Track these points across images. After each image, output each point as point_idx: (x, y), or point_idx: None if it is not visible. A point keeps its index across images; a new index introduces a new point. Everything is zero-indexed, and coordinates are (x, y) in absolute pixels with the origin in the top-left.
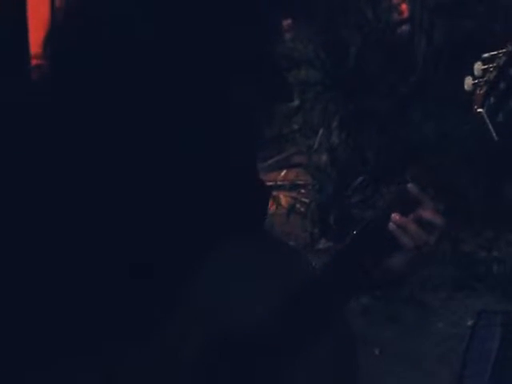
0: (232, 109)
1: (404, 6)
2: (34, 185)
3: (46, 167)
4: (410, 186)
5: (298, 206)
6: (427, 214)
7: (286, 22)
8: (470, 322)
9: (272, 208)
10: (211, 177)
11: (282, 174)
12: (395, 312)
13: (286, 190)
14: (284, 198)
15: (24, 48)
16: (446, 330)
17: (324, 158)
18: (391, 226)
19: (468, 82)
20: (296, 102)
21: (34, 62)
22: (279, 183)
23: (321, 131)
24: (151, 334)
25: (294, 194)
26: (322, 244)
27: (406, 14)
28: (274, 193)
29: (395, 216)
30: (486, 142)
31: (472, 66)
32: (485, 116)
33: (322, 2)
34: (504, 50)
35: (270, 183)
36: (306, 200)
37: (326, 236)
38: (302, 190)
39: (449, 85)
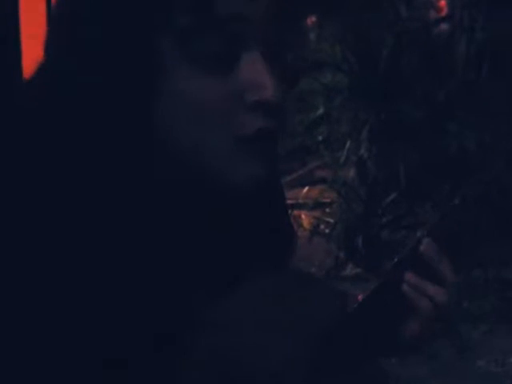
0: None
1: (443, 3)
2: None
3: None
4: (426, 242)
5: (321, 226)
6: (443, 270)
7: (310, 20)
8: None
9: None
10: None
11: (304, 190)
12: (430, 347)
13: (309, 209)
14: (306, 218)
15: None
16: (487, 368)
17: (351, 172)
18: (405, 287)
19: None
20: (320, 110)
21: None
22: (301, 201)
23: (348, 143)
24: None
25: (317, 214)
26: (349, 270)
27: (444, 12)
28: (295, 212)
29: (410, 276)
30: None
31: None
32: None
33: None
34: None
35: (291, 201)
36: (331, 220)
37: (354, 261)
38: (327, 209)
39: (492, 90)
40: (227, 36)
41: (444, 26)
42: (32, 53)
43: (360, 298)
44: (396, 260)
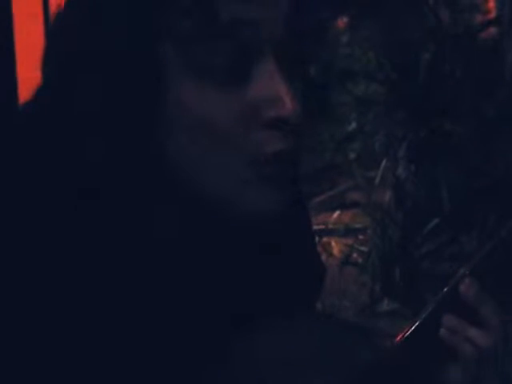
0: None
1: (491, 4)
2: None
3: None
4: (467, 280)
5: (354, 255)
6: (487, 312)
7: (341, 21)
8: None
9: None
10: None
11: (335, 215)
12: None
13: (340, 236)
14: (337, 246)
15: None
16: None
17: (387, 195)
18: (444, 332)
19: None
20: (353, 125)
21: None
22: (331, 227)
23: (384, 162)
24: None
25: (349, 241)
26: (385, 305)
27: (492, 14)
28: (325, 239)
29: (449, 319)
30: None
31: None
32: None
33: None
34: None
35: (320, 227)
36: (365, 248)
37: (390, 295)
38: (360, 236)
39: None
40: (236, 43)
41: (492, 31)
42: (27, 62)
43: (395, 341)
44: (433, 300)
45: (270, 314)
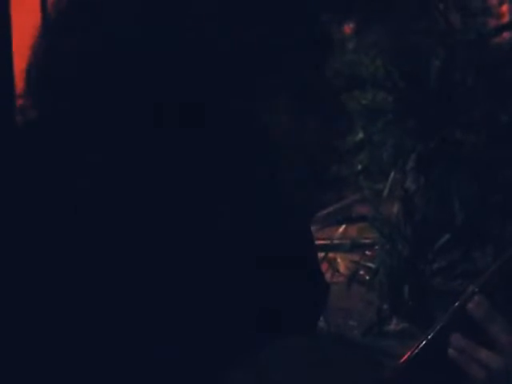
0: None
1: (504, 7)
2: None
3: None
4: (477, 298)
5: (361, 272)
6: (497, 332)
7: (348, 26)
8: None
9: (326, 276)
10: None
11: (341, 229)
12: None
13: (346, 251)
14: (343, 262)
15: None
16: None
17: (396, 208)
18: (452, 352)
19: None
20: (360, 135)
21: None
22: (336, 241)
23: (392, 173)
24: None
25: (355, 257)
26: (394, 325)
27: (506, 18)
28: (331, 254)
29: (457, 338)
30: None
31: None
32: None
33: (395, 2)
34: None
35: (325, 241)
36: (372, 265)
37: (399, 314)
38: (367, 252)
39: None
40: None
41: (506, 35)
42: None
43: (401, 361)
44: (441, 319)
45: (271, 333)
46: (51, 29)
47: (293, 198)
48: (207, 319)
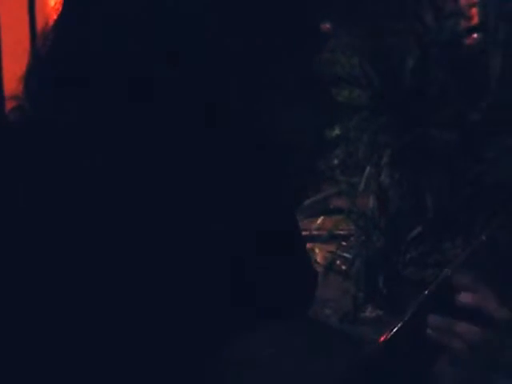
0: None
1: (474, 11)
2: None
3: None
4: (458, 277)
5: (337, 262)
6: (489, 307)
7: (324, 27)
8: None
9: None
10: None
11: (318, 221)
12: None
13: (323, 242)
14: (320, 253)
15: None
16: None
17: (371, 201)
18: (430, 332)
19: None
20: (336, 131)
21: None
22: (314, 233)
23: (367, 168)
24: None
25: (332, 248)
26: (369, 312)
27: (475, 20)
28: (308, 245)
29: (433, 320)
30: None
31: None
32: None
33: (371, 3)
34: None
35: (303, 232)
36: (348, 255)
37: (374, 302)
38: (343, 243)
39: None
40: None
41: (476, 37)
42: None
43: (380, 342)
44: (417, 301)
45: (264, 317)
46: (54, 28)
47: (287, 186)
48: (198, 304)
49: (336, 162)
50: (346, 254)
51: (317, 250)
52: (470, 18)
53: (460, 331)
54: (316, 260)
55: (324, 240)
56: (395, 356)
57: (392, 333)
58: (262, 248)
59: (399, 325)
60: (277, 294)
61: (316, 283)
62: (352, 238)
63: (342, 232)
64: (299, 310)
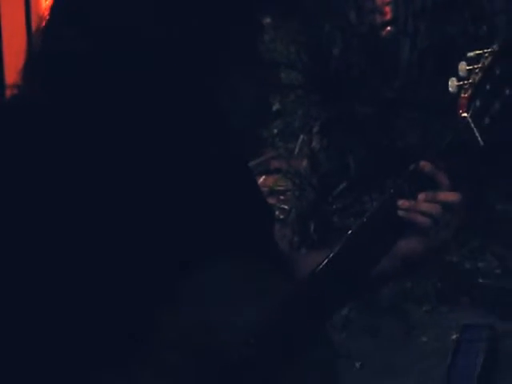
0: (228, 110)
1: (387, 8)
2: (34, 188)
3: (46, 173)
4: (422, 163)
5: (277, 212)
6: (442, 193)
7: (265, 21)
8: (454, 336)
9: None
10: (206, 186)
11: (261, 179)
12: (377, 324)
13: (265, 196)
14: None
15: None
16: (430, 344)
17: (304, 163)
18: (400, 212)
19: (452, 83)
20: (276, 106)
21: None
22: None
23: (301, 136)
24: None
25: (272, 201)
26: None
27: (389, 16)
28: None
29: (403, 202)
30: (470, 149)
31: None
32: (470, 121)
33: (304, 1)
34: (489, 50)
35: None
36: (286, 207)
37: (306, 244)
38: (281, 197)
39: (433, 90)
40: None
41: (389, 30)
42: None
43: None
44: (389, 192)
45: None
46: (52, 20)
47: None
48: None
49: (275, 131)
50: (283, 206)
51: None
52: (384, 14)
53: (424, 209)
54: None
55: (266, 195)
56: (372, 234)
57: (370, 213)
58: (219, 193)
59: (376, 207)
60: (245, 226)
61: (274, 217)
62: (288, 193)
63: (280, 188)
64: (267, 236)
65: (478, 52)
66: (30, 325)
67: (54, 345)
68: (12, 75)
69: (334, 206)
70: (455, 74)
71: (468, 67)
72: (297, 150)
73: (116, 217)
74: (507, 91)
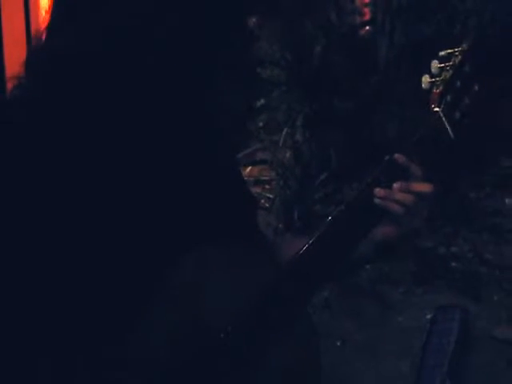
0: (218, 107)
1: (366, 10)
2: (31, 190)
3: (42, 174)
4: (397, 155)
5: (262, 201)
6: (415, 184)
7: (251, 21)
8: (428, 316)
9: None
10: (195, 179)
11: (247, 170)
12: (356, 305)
13: (251, 186)
14: None
15: None
16: (406, 323)
17: (288, 154)
18: (376, 200)
19: (425, 80)
20: (261, 101)
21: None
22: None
23: (285, 129)
24: (128, 329)
25: (258, 190)
26: None
27: (367, 17)
28: None
29: (379, 191)
30: (442, 140)
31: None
32: (441, 115)
33: (288, 2)
34: (460, 49)
35: None
36: (271, 196)
37: (290, 231)
38: (267, 186)
39: (409, 86)
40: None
41: (367, 29)
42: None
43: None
44: (366, 181)
45: (215, 236)
46: (55, 16)
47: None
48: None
49: (261, 124)
50: (268, 195)
51: None
52: (363, 15)
53: (398, 198)
54: None
55: (252, 184)
56: (351, 219)
57: (349, 201)
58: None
59: (354, 196)
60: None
61: (257, 206)
62: (273, 183)
63: (265, 178)
64: (251, 223)
65: (449, 51)
66: (30, 318)
67: (50, 336)
68: (13, 70)
69: (317, 195)
70: (428, 71)
71: (440, 65)
72: (281, 142)
73: (108, 208)
74: (476, 87)
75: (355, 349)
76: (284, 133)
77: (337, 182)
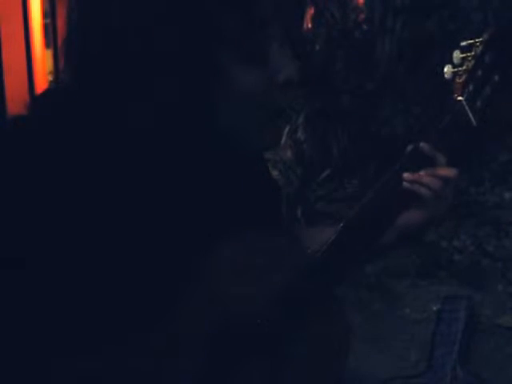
0: (234, 95)
1: (360, 1)
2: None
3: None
4: (422, 144)
5: None
6: (441, 169)
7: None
8: (436, 307)
9: None
10: (216, 169)
11: None
12: (362, 298)
13: None
14: None
15: None
16: (413, 315)
17: (290, 152)
18: (405, 184)
19: (448, 70)
20: None
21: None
22: None
23: (287, 127)
24: (152, 326)
25: None
26: None
27: (364, 14)
28: None
29: (408, 176)
30: (446, 131)
31: (445, 60)
32: (464, 104)
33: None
34: (480, 39)
35: None
36: None
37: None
38: None
39: (412, 81)
40: (264, 36)
41: (366, 27)
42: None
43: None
44: (394, 168)
45: (241, 226)
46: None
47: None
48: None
49: None
50: None
51: None
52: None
53: (426, 181)
54: None
55: None
56: (380, 205)
57: (378, 187)
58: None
59: (383, 181)
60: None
61: (282, 195)
62: None
63: None
64: (278, 211)
65: (470, 41)
66: (37, 315)
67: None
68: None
69: (319, 193)
70: (450, 61)
71: (462, 55)
72: (283, 140)
73: (138, 200)
74: (496, 77)
75: (364, 340)
76: (286, 131)
77: (338, 180)
